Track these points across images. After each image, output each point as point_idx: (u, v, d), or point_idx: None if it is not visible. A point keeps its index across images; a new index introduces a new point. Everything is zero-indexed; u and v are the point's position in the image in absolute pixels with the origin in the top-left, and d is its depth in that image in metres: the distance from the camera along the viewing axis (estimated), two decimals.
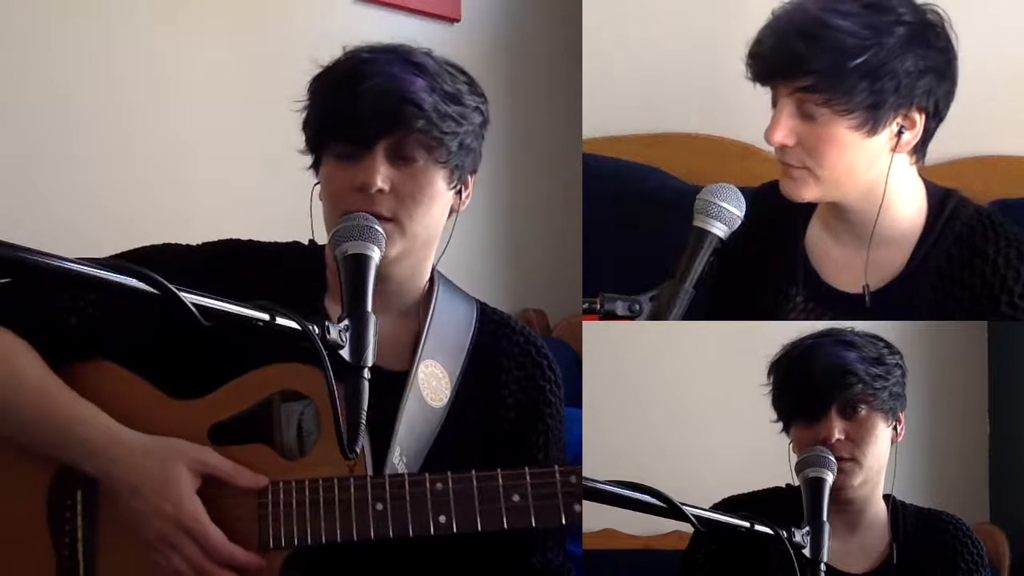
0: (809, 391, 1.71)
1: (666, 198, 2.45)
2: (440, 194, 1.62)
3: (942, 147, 1.70)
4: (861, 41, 1.53)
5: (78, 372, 1.59)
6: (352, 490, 1.49)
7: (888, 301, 1.68)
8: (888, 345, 1.75)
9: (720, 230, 1.57)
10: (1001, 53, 2.34)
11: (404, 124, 1.56)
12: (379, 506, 1.49)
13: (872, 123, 1.55)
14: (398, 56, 1.60)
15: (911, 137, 1.60)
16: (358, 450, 1.35)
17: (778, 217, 1.77)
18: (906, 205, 1.67)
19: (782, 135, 1.58)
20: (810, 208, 1.75)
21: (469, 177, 1.69)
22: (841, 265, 1.72)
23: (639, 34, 2.59)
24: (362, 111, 1.55)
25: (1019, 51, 2.37)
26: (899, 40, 1.54)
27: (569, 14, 2.89)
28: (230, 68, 2.57)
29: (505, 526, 1.49)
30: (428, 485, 1.49)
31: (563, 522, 1.49)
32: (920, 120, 1.59)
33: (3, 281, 1.56)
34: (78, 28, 2.33)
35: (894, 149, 1.60)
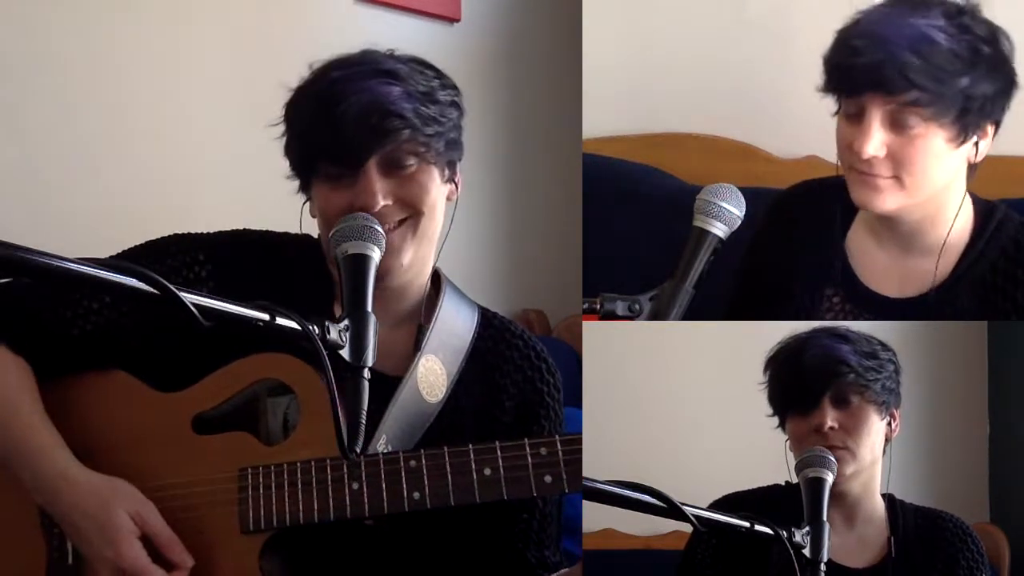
0: (802, 381, 1.74)
1: (666, 198, 2.45)
2: (438, 191, 1.65)
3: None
4: (962, 61, 1.56)
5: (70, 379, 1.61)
6: (329, 471, 1.52)
7: (930, 309, 1.69)
8: (881, 343, 1.78)
9: (720, 230, 1.57)
10: None
11: (391, 137, 1.57)
12: (355, 485, 1.51)
13: (962, 136, 1.59)
14: (369, 67, 1.61)
15: (986, 147, 1.63)
16: (358, 449, 1.35)
17: (816, 218, 1.79)
18: (958, 218, 1.68)
19: (875, 148, 1.57)
20: (850, 211, 1.76)
21: (457, 166, 1.71)
22: (883, 270, 1.74)
23: (639, 34, 2.59)
24: (347, 131, 1.56)
25: (1019, 51, 2.37)
26: (986, 62, 1.58)
27: (569, 14, 2.89)
28: (231, 68, 2.57)
29: (477, 499, 1.51)
30: (403, 463, 1.52)
31: (534, 493, 1.52)
32: (991, 132, 1.63)
33: (4, 281, 1.57)
34: (79, 28, 2.33)
35: (970, 159, 1.63)
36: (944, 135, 1.57)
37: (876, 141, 1.57)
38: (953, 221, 1.66)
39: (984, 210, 1.71)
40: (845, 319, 1.76)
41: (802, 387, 1.74)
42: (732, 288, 1.88)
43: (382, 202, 1.57)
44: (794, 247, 1.80)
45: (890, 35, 1.56)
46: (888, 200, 1.61)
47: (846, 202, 1.68)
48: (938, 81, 1.54)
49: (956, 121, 1.56)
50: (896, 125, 1.57)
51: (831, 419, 1.71)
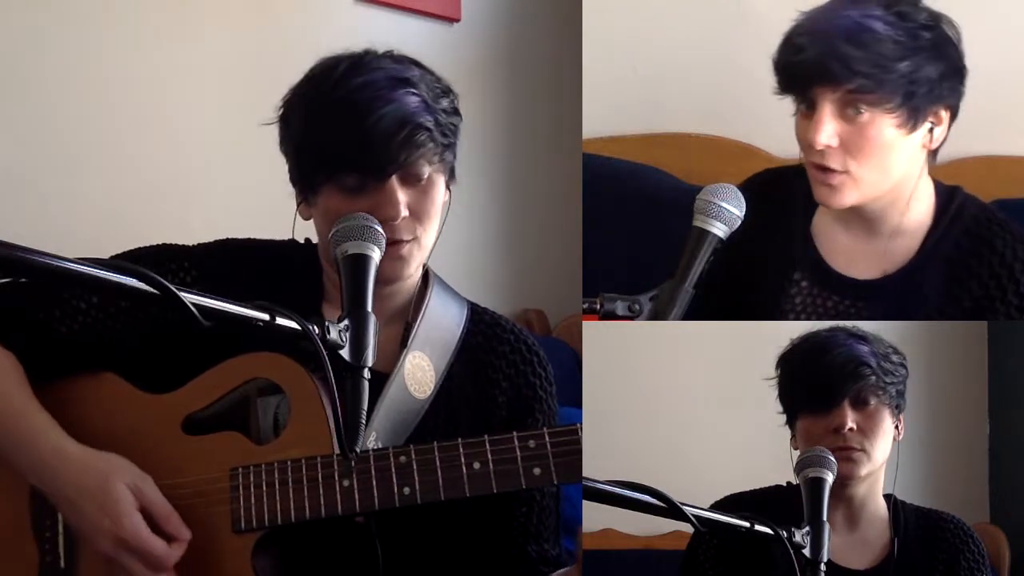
0: (824, 380, 1.74)
1: (666, 198, 2.45)
2: (442, 198, 1.66)
3: (943, 147, 1.72)
4: (902, 46, 1.59)
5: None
6: (319, 468, 1.52)
7: (897, 289, 1.72)
8: (892, 346, 1.79)
9: (720, 230, 1.57)
10: (1001, 53, 2.34)
11: (417, 150, 1.58)
12: (345, 482, 1.51)
13: (912, 121, 1.61)
14: (386, 74, 1.60)
15: (941, 133, 1.66)
16: (358, 449, 1.35)
17: (780, 205, 1.80)
18: (919, 200, 1.71)
19: (827, 137, 1.61)
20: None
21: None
22: (848, 253, 1.75)
23: (639, 34, 2.59)
24: (377, 143, 1.56)
25: (1020, 51, 2.37)
26: (927, 46, 1.61)
27: (569, 14, 2.89)
28: (231, 69, 2.57)
29: (467, 493, 1.52)
30: (392, 458, 1.52)
31: (523, 485, 1.52)
32: (946, 118, 1.65)
33: (2, 281, 1.57)
34: (77, 29, 2.33)
35: (926, 146, 1.66)
36: (893, 121, 1.60)
37: (828, 131, 1.61)
38: (909, 199, 1.68)
39: (945, 192, 1.73)
40: (813, 303, 1.77)
41: (823, 387, 1.74)
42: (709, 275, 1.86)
43: (403, 213, 1.58)
44: (760, 234, 1.80)
45: (828, 29, 1.61)
46: (845, 197, 1.65)
47: (809, 187, 1.70)
48: (879, 67, 1.58)
49: (903, 106, 1.60)
50: (846, 115, 1.61)
51: (851, 420, 1.72)
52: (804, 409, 1.77)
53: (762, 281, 1.80)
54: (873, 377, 1.73)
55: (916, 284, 1.70)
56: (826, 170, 1.63)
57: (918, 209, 1.71)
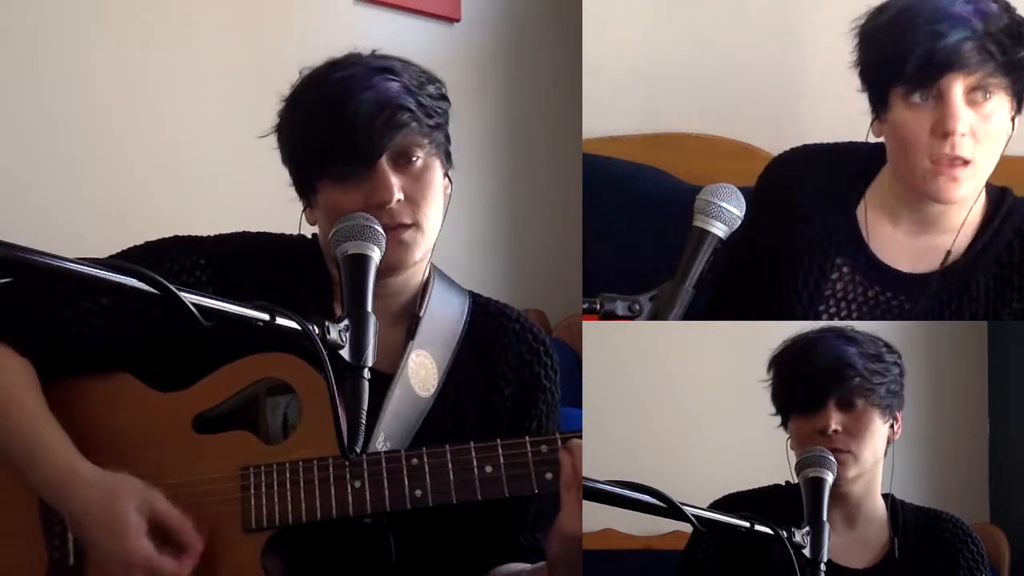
0: (808, 383, 1.73)
1: (666, 198, 2.45)
2: (440, 184, 1.67)
3: None
4: (1013, 33, 1.57)
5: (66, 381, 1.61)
6: (331, 469, 1.52)
7: (944, 287, 1.71)
8: (887, 345, 1.78)
9: (720, 230, 1.57)
10: None
11: (401, 131, 1.59)
12: (357, 483, 1.52)
13: (1018, 108, 1.61)
14: (367, 65, 1.63)
15: (1020, 123, 1.64)
16: (358, 449, 1.36)
17: (826, 185, 1.78)
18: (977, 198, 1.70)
19: (965, 124, 1.57)
20: (862, 181, 1.76)
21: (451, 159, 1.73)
22: (896, 245, 1.74)
23: (639, 34, 2.59)
24: (359, 129, 1.57)
25: None
26: (1021, 32, 1.59)
27: (569, 14, 2.89)
28: (230, 68, 2.57)
29: (479, 497, 1.52)
30: (404, 461, 1.52)
31: (535, 490, 1.52)
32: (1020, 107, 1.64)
33: (4, 281, 1.57)
34: (76, 28, 2.33)
35: (1009, 135, 1.63)
36: (1009, 105, 1.59)
37: (966, 118, 1.57)
38: (974, 201, 1.67)
39: (994, 192, 1.72)
40: (854, 291, 1.75)
41: (808, 388, 1.73)
42: (728, 255, 1.77)
43: (397, 195, 1.59)
44: (803, 211, 1.78)
45: (961, 12, 1.57)
46: (964, 188, 1.61)
47: (858, 171, 1.67)
48: (1006, 53, 1.56)
49: (1017, 93, 1.59)
50: (972, 102, 1.58)
51: (835, 422, 1.71)
52: (793, 410, 1.77)
53: (802, 260, 1.77)
54: (858, 379, 1.71)
55: (964, 283, 1.70)
56: (953, 162, 1.59)
57: (973, 207, 1.70)
